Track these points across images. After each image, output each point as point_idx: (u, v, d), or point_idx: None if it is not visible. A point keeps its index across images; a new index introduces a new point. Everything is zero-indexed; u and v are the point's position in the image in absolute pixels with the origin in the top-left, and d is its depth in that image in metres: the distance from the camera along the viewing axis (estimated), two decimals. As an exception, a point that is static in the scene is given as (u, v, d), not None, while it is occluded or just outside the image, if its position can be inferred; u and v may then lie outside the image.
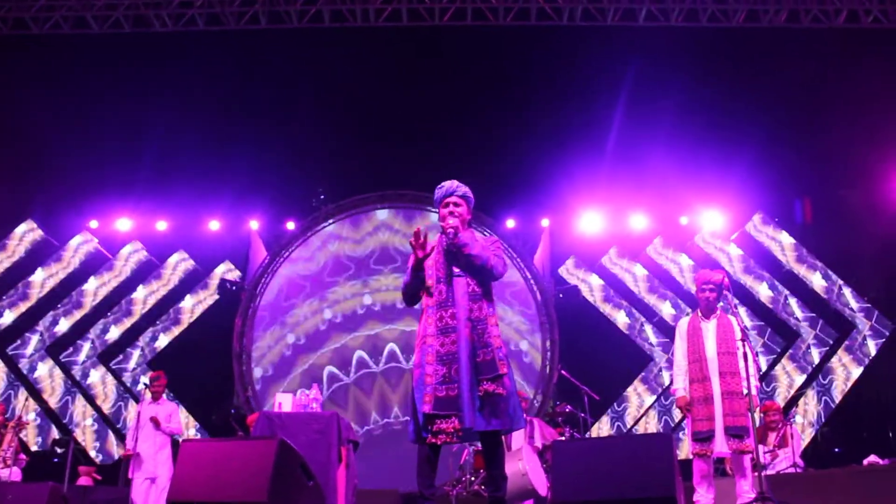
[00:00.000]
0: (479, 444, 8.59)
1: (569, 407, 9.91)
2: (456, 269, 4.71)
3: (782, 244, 14.18)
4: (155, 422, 8.67)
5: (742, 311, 13.52)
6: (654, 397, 13.87)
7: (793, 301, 13.93)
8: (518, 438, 8.92)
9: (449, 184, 4.90)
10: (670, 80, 12.26)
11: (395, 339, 14.19)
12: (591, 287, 14.61)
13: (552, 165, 12.99)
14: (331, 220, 14.75)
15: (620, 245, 14.68)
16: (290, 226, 14.76)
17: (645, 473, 4.28)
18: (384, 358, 14.11)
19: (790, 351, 13.74)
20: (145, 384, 8.98)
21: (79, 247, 14.70)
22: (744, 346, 5.85)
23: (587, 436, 9.75)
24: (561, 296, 14.43)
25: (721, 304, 6.39)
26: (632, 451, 4.47)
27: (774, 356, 13.77)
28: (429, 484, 4.57)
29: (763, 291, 14.03)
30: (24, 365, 13.99)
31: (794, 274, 14.05)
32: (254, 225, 14.83)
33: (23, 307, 14.27)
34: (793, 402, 13.19)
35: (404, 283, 4.85)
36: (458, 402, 4.44)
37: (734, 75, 12.52)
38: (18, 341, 14.10)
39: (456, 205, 4.83)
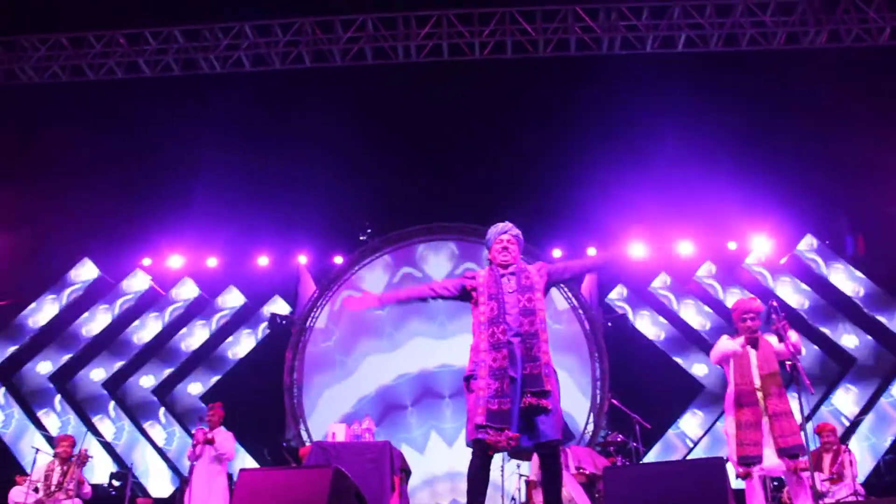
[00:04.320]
0: (530, 474, 8.65)
1: (620, 436, 9.82)
2: (507, 288, 4.91)
3: (833, 266, 13.95)
4: (210, 441, 8.78)
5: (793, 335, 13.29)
6: (708, 425, 13.69)
7: (847, 324, 13.67)
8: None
9: (503, 224, 5.22)
10: (712, 105, 12.22)
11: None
12: (640, 315, 14.51)
13: (598, 194, 12.98)
14: (377, 254, 14.92)
15: (668, 272, 14.58)
16: (338, 260, 14.95)
17: (698, 499, 4.25)
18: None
19: (846, 377, 13.46)
20: (200, 417, 9.11)
21: (133, 285, 15.08)
22: (795, 361, 5.78)
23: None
24: (610, 325, 14.36)
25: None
26: (684, 476, 4.46)
27: (830, 382, 13.49)
28: (480, 493, 4.61)
29: (816, 315, 13.80)
30: (82, 400, 14.35)
31: (847, 296, 13.80)
32: (302, 260, 15.05)
33: (81, 344, 14.66)
34: (851, 429, 12.89)
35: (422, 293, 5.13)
36: (510, 415, 4.55)
37: (776, 97, 12.43)
38: (77, 377, 14.46)
39: (510, 242, 5.13)
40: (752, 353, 6.17)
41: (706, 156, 12.52)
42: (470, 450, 4.65)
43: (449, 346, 13.95)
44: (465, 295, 5.06)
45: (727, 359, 6.18)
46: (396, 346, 14.46)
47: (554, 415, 4.61)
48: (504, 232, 5.17)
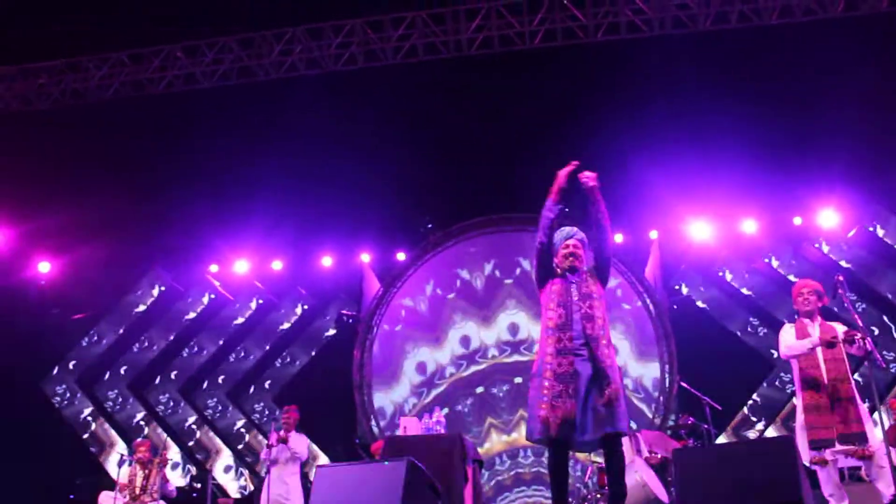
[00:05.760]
0: (602, 462, 8.65)
1: (691, 419, 9.76)
2: (574, 297, 5.07)
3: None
4: (283, 440, 9.02)
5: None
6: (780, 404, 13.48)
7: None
8: (627, 452, 8.83)
9: (568, 229, 5.37)
10: (767, 80, 12.01)
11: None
12: (706, 296, 14.34)
13: (657, 176, 12.83)
14: (439, 248, 15.01)
15: (733, 251, 14.36)
16: (401, 256, 15.08)
17: (770, 478, 4.24)
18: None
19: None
20: (275, 419, 9.35)
21: (202, 291, 15.49)
22: (864, 343, 5.70)
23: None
24: (675, 307, 14.22)
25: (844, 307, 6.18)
26: (755, 456, 4.45)
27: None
28: (562, 490, 4.85)
29: (888, 287, 13.45)
30: (158, 404, 14.82)
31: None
32: (365, 258, 15.20)
33: (154, 350, 15.13)
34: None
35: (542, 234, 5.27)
36: (571, 416, 4.72)
37: (833, 66, 12.09)
38: (154, 382, 14.95)
39: (576, 247, 5.27)
40: (815, 334, 6.07)
41: (766, 132, 12.29)
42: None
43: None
44: (548, 257, 5.25)
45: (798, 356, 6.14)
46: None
47: (616, 408, 4.77)
48: (570, 237, 5.31)
